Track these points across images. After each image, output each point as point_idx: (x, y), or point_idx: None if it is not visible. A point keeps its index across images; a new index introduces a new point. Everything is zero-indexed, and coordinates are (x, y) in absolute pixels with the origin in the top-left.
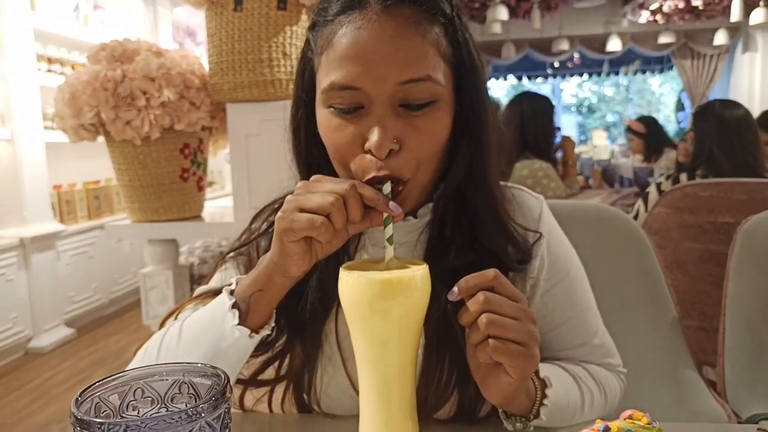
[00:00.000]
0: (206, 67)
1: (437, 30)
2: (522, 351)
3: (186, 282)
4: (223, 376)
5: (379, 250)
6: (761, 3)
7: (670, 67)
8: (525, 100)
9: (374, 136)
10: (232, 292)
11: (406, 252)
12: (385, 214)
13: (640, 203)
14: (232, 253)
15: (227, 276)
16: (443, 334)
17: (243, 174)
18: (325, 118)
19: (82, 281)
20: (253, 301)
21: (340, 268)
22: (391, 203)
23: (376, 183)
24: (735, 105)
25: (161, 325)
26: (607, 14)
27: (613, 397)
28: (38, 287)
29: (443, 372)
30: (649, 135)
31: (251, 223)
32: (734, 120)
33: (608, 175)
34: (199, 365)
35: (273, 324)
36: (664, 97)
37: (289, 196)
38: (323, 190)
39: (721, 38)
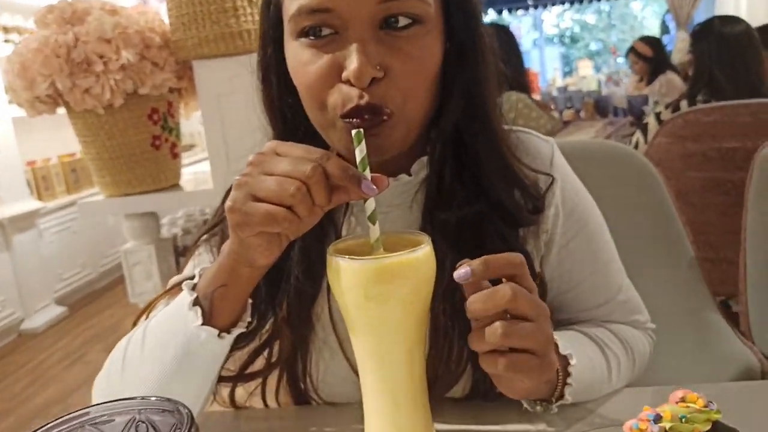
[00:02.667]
0: (167, 23)
1: None
2: (538, 362)
3: (170, 255)
4: (185, 414)
5: None
6: None
7: None
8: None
9: (353, 62)
10: (194, 287)
11: (401, 215)
12: (357, 158)
13: (638, 135)
14: (204, 236)
15: (201, 262)
16: (449, 305)
17: (218, 136)
18: (294, 53)
19: (68, 258)
20: (217, 298)
21: (327, 251)
22: (365, 182)
23: (357, 115)
24: (736, 20)
25: (134, 324)
26: None
27: (642, 359)
28: (24, 268)
29: (453, 347)
30: (654, 57)
31: (223, 199)
32: (735, 37)
33: (600, 106)
34: (155, 399)
35: (248, 318)
36: (646, 20)
37: (238, 178)
38: (280, 171)
39: None
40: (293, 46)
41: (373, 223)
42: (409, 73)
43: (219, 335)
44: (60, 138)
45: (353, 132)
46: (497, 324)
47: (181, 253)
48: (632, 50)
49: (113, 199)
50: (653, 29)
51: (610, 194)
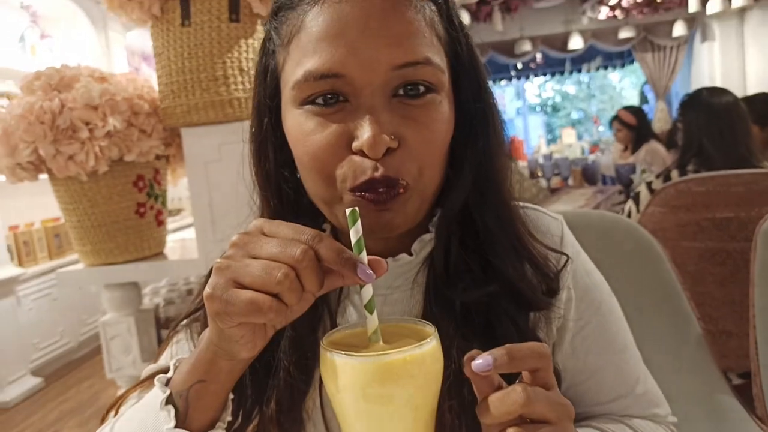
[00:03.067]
0: (156, 90)
1: (431, 8)
2: None
3: (151, 327)
4: None
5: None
6: None
7: (631, 61)
8: None
9: (366, 131)
10: (168, 382)
11: (401, 298)
12: (353, 240)
13: (630, 204)
14: (184, 321)
15: (179, 350)
16: (457, 400)
17: (204, 204)
18: (297, 122)
19: (46, 326)
20: (193, 395)
21: (321, 345)
22: (362, 267)
23: (370, 188)
24: (723, 92)
25: (102, 420)
26: (567, 12)
27: None
28: None
29: None
30: (638, 126)
31: (205, 280)
32: (723, 107)
33: (588, 174)
34: None
35: (229, 418)
36: (624, 91)
37: (219, 261)
38: (267, 254)
39: (679, 29)
40: (295, 114)
41: (371, 313)
42: (424, 143)
43: None
44: (44, 202)
45: (347, 211)
46: (516, 388)
47: (163, 324)
48: (616, 118)
49: (94, 268)
50: (632, 99)
51: (611, 268)
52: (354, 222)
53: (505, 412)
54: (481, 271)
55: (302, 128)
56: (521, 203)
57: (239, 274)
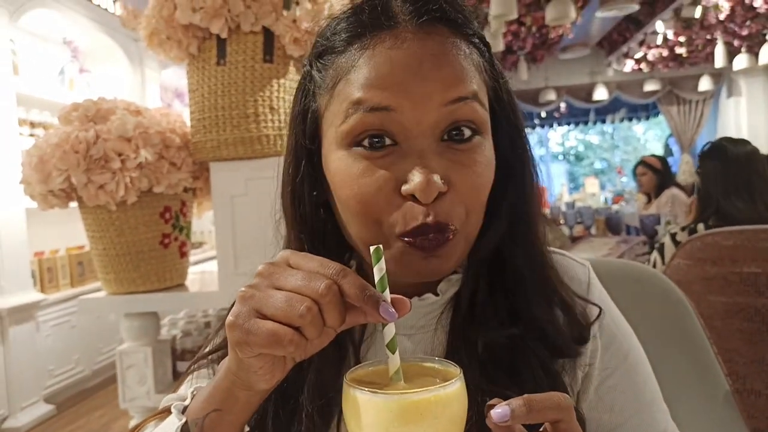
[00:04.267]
0: (188, 125)
1: (475, 51)
2: None
3: (167, 358)
4: None
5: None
6: (743, 49)
7: (656, 114)
8: None
9: (417, 177)
10: (185, 410)
11: (424, 338)
12: (376, 278)
13: (656, 255)
14: (208, 357)
15: (198, 383)
16: None
17: (228, 238)
18: (344, 164)
19: (63, 353)
20: (209, 424)
21: (344, 380)
22: (384, 305)
23: (422, 234)
24: (743, 142)
25: None
26: (592, 64)
27: None
28: (15, 362)
29: None
30: (662, 171)
31: (228, 310)
32: (742, 156)
33: (612, 224)
34: None
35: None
36: (648, 143)
37: (243, 290)
38: (291, 286)
39: (705, 84)
40: (341, 156)
41: (393, 352)
42: (471, 187)
43: None
44: (70, 229)
45: (371, 249)
46: None
47: (179, 356)
48: (641, 163)
49: (115, 296)
50: (656, 151)
51: (637, 319)
52: (378, 260)
53: None
54: (508, 315)
55: (349, 171)
56: (549, 248)
57: (262, 305)
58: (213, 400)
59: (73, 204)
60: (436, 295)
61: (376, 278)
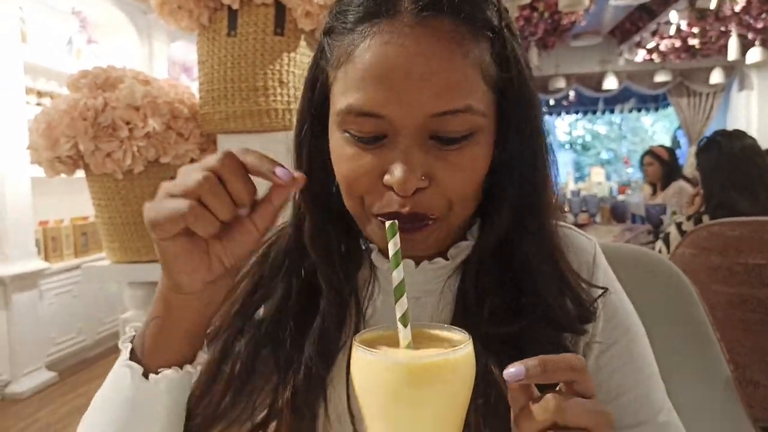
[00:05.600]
0: (197, 96)
1: (482, 46)
2: None
3: None
4: None
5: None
6: (757, 42)
7: (666, 105)
8: None
9: (398, 171)
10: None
11: (430, 302)
12: (390, 252)
13: (660, 244)
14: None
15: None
16: (483, 399)
17: None
18: (337, 144)
19: (65, 322)
20: (149, 332)
21: (353, 342)
22: (280, 168)
23: (396, 219)
24: (740, 135)
25: None
26: (603, 53)
27: None
28: (18, 329)
29: None
30: (669, 161)
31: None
32: (739, 151)
33: (617, 212)
34: None
35: (195, 363)
36: (656, 135)
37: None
38: (199, 167)
39: (717, 77)
40: (337, 136)
41: (405, 326)
42: (456, 183)
43: (144, 373)
44: (75, 200)
45: (387, 223)
46: (548, 397)
47: None
48: (649, 153)
49: (119, 265)
50: (664, 143)
51: (641, 303)
52: (393, 235)
53: (539, 421)
54: (515, 289)
55: (341, 151)
56: (558, 222)
57: (171, 188)
58: (153, 310)
59: (80, 173)
60: (446, 259)
61: (390, 253)
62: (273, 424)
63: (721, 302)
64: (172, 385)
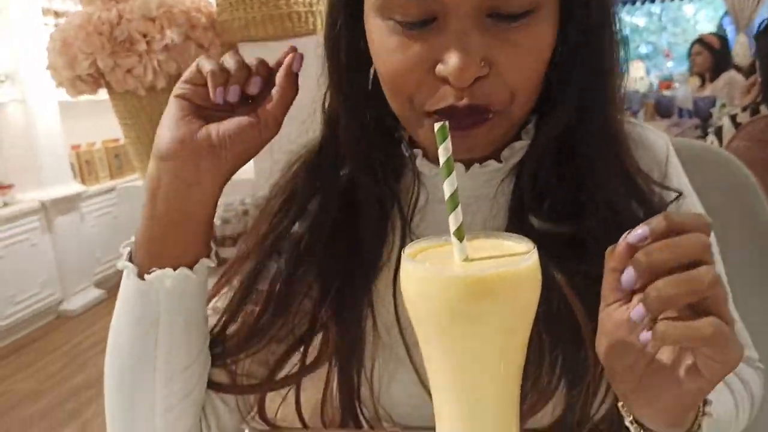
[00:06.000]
0: (213, 3)
1: None
2: (725, 330)
3: None
4: None
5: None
6: None
7: None
8: None
9: (453, 59)
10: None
11: (483, 207)
12: (441, 159)
13: (712, 137)
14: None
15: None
16: (543, 309)
17: None
18: (379, 34)
19: (108, 242)
20: (141, 230)
21: (402, 254)
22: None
23: (453, 116)
24: None
25: None
26: None
27: (758, 400)
28: (64, 250)
29: (543, 361)
30: (719, 50)
31: (266, 199)
32: None
33: (662, 107)
34: None
35: (197, 270)
36: (699, 24)
37: None
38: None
39: None
40: (377, 25)
41: (461, 240)
42: (519, 68)
43: (139, 273)
44: (105, 123)
45: (436, 126)
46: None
47: (219, 243)
48: (699, 41)
49: None
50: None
51: (706, 206)
52: (443, 139)
53: (688, 289)
54: (575, 193)
55: (383, 43)
56: (629, 119)
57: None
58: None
59: (103, 93)
60: (499, 161)
61: (441, 159)
62: (317, 339)
63: None
64: (173, 285)
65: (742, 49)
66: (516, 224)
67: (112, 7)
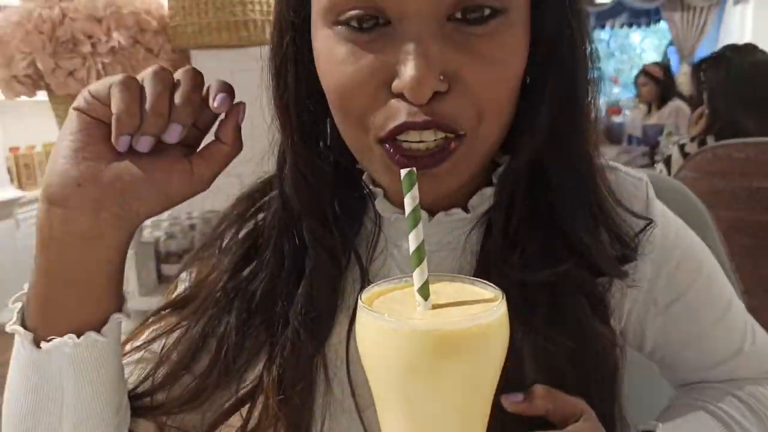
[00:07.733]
0: (166, 7)
1: None
2: None
3: (151, 261)
4: None
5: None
6: None
7: (658, 20)
8: None
9: (409, 69)
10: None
11: (448, 256)
12: (407, 208)
13: (662, 167)
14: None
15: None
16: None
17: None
18: (326, 46)
19: None
20: (34, 287)
21: (359, 301)
22: (220, 96)
23: (405, 132)
24: (750, 50)
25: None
26: None
27: None
28: None
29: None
30: (664, 81)
31: (221, 217)
32: (749, 66)
33: (613, 133)
34: None
35: (104, 330)
36: (645, 53)
37: None
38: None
39: None
40: (325, 35)
41: (419, 263)
42: (487, 83)
43: (34, 340)
44: (47, 125)
45: (403, 173)
46: None
47: (164, 259)
48: (643, 72)
49: None
50: (653, 61)
51: None
52: (410, 186)
53: None
54: (548, 239)
55: (331, 55)
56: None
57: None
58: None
59: (43, 94)
60: (467, 211)
61: (407, 210)
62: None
63: (722, 228)
64: (76, 353)
65: (685, 78)
66: (484, 275)
67: (55, 4)
